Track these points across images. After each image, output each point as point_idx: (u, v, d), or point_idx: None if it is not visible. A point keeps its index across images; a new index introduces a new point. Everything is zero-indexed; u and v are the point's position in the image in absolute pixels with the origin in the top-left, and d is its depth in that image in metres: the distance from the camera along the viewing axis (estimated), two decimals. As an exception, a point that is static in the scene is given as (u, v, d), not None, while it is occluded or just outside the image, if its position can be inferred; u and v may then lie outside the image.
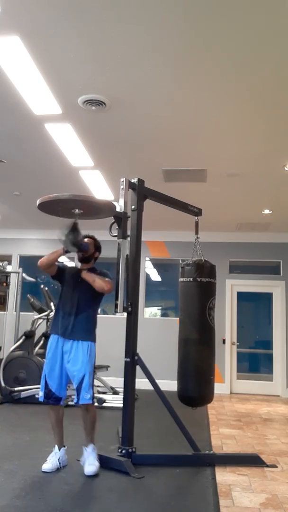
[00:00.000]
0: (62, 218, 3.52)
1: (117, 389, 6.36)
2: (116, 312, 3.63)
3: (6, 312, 8.39)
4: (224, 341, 7.88)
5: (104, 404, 5.83)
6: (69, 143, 4.57)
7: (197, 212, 4.51)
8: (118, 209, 3.68)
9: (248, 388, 7.84)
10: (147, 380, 3.63)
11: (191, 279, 3.96)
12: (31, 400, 5.75)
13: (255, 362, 8.34)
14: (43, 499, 2.78)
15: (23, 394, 5.81)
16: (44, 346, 6.81)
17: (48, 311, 6.58)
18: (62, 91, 3.61)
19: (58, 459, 3.35)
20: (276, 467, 3.66)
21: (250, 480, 3.32)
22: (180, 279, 4.06)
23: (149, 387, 3.66)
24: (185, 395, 3.89)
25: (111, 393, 6.41)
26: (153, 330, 7.64)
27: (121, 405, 3.71)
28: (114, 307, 3.59)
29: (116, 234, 3.69)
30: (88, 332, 3.40)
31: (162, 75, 3.34)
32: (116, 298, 3.58)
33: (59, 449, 3.40)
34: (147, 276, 8.56)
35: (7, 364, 6.07)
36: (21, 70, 3.30)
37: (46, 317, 6.62)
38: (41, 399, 3.40)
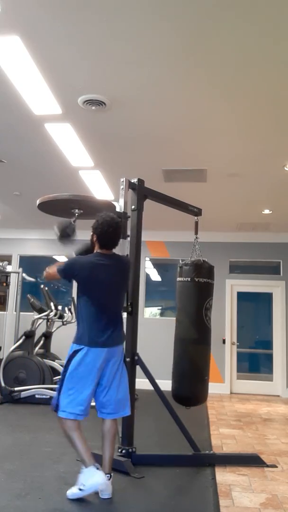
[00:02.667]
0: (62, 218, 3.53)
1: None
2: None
3: (6, 312, 8.39)
4: (224, 341, 7.88)
5: (104, 404, 5.82)
6: (69, 143, 4.57)
7: (197, 212, 4.51)
8: (118, 209, 3.69)
9: (248, 388, 7.83)
10: (147, 380, 3.63)
11: (189, 279, 3.96)
12: (31, 400, 5.76)
13: (255, 362, 8.34)
14: (43, 499, 2.78)
15: (23, 394, 5.81)
16: (44, 346, 6.83)
17: (48, 311, 6.58)
18: (62, 91, 3.61)
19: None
20: (276, 467, 3.66)
21: (250, 480, 3.32)
22: (178, 279, 4.06)
23: (149, 387, 3.66)
24: (179, 395, 3.90)
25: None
26: (153, 330, 7.64)
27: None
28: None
29: (116, 234, 3.69)
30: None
31: (162, 75, 3.34)
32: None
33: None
34: (147, 276, 8.56)
35: (7, 364, 6.07)
36: (21, 70, 3.30)
37: (46, 317, 6.62)
38: None
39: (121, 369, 3.04)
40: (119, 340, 3.06)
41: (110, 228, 3.01)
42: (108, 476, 2.87)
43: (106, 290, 3.00)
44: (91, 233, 3.12)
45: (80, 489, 2.79)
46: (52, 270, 3.06)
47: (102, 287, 2.98)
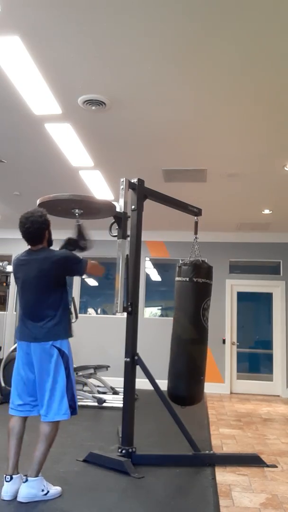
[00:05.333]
0: (62, 218, 3.52)
1: (117, 389, 6.36)
2: (116, 312, 3.63)
3: (6, 312, 8.39)
4: (224, 341, 7.88)
5: (104, 404, 5.83)
6: (69, 143, 4.57)
7: (197, 212, 4.51)
8: (118, 209, 3.69)
9: (248, 388, 7.83)
10: (147, 380, 3.63)
11: (187, 279, 3.96)
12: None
13: (255, 362, 8.34)
14: (43, 499, 2.78)
15: (23, 394, 5.80)
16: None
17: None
18: (62, 91, 3.61)
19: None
20: (276, 467, 3.66)
21: (250, 480, 3.32)
22: (177, 279, 4.07)
23: (149, 387, 3.66)
24: (175, 394, 3.90)
25: (111, 393, 6.41)
26: (153, 330, 7.64)
27: (121, 405, 3.72)
28: (114, 307, 3.58)
29: (116, 234, 3.70)
30: None
31: (162, 75, 3.34)
32: (116, 298, 3.58)
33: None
34: (147, 276, 8.55)
35: (7, 364, 6.06)
36: (21, 70, 3.30)
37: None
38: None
39: (53, 370, 2.84)
40: (42, 337, 2.86)
41: (20, 224, 2.96)
42: (24, 478, 2.76)
43: (22, 285, 2.97)
44: None
45: None
46: None
47: (19, 283, 3.00)
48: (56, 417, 2.84)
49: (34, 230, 2.93)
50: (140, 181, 3.89)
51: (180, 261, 4.13)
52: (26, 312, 2.95)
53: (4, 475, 2.80)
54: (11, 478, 2.78)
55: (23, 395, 2.92)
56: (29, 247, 3.02)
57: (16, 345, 6.25)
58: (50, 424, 2.85)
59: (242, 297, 8.22)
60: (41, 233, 2.96)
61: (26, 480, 2.75)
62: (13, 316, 7.90)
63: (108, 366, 6.70)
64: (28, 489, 2.73)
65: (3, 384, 5.89)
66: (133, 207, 3.84)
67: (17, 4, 2.66)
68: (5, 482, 2.78)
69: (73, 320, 7.26)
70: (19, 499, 2.72)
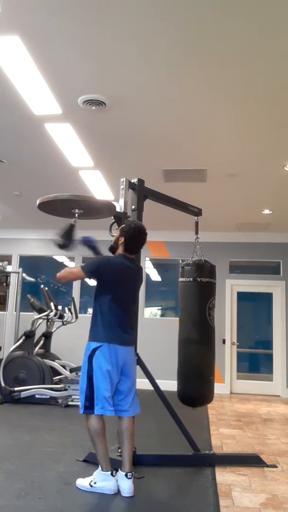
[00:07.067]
0: (62, 218, 3.52)
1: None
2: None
3: (6, 312, 8.39)
4: (224, 341, 7.88)
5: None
6: (69, 143, 4.57)
7: (197, 212, 4.51)
8: (118, 209, 3.69)
9: (248, 388, 7.83)
10: (147, 380, 3.63)
11: (191, 279, 3.96)
12: (31, 400, 5.76)
13: (255, 362, 8.34)
14: (43, 499, 2.78)
15: (23, 394, 5.80)
16: (44, 346, 6.82)
17: (48, 311, 6.58)
18: (62, 91, 3.62)
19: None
20: (276, 467, 3.66)
21: (250, 480, 3.32)
22: (180, 279, 4.06)
23: (149, 387, 3.66)
24: (185, 395, 3.90)
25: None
26: (153, 330, 7.64)
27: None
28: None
29: (116, 234, 3.69)
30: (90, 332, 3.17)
31: (162, 75, 3.34)
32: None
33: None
34: (147, 276, 8.55)
35: (7, 364, 6.07)
36: (21, 70, 3.30)
37: (46, 317, 6.61)
38: None
39: (135, 370, 3.26)
40: (132, 341, 3.24)
41: (141, 234, 3.19)
42: (129, 475, 2.96)
43: (125, 292, 3.18)
44: (117, 235, 3.22)
45: (90, 485, 2.96)
46: (69, 270, 3.29)
47: (125, 288, 3.18)
48: (136, 411, 3.21)
49: (145, 241, 3.24)
50: (140, 181, 3.88)
51: (181, 262, 4.12)
52: (128, 319, 3.18)
53: (110, 472, 2.95)
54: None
55: (110, 395, 3.02)
56: (123, 253, 3.18)
57: (17, 344, 6.19)
58: (132, 420, 3.16)
59: (242, 297, 8.22)
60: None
61: (131, 476, 2.96)
62: (13, 316, 7.90)
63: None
64: (132, 484, 2.95)
65: (3, 384, 5.89)
66: (133, 207, 3.84)
67: (17, 4, 2.66)
68: (121, 479, 2.95)
69: (73, 320, 7.28)
70: (128, 494, 2.91)
